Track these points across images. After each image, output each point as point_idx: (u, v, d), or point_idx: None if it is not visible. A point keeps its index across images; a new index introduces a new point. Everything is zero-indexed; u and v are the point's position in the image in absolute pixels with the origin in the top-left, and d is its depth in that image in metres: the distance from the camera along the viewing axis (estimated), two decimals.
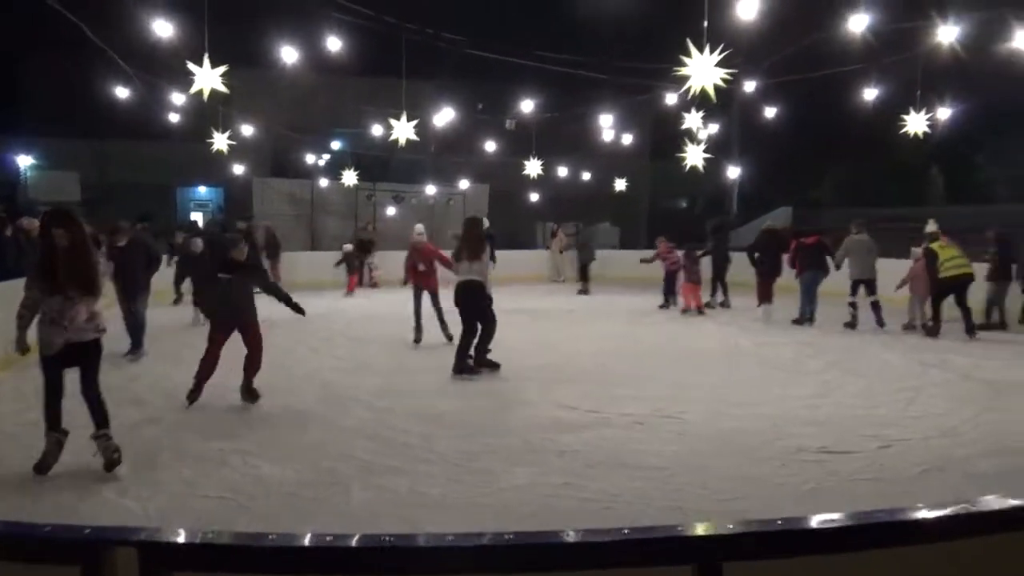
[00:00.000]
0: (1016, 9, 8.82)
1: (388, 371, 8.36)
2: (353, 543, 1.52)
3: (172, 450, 5.40)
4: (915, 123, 11.51)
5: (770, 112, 16.12)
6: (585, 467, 4.99)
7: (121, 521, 3.98)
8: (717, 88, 6.56)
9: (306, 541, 1.51)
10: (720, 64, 6.45)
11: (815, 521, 1.59)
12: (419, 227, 10.42)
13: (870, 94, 13.33)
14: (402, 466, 5.03)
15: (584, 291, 17.51)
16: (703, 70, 6.39)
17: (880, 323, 11.27)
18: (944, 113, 12.87)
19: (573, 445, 5.51)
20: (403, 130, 10.92)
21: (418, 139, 11.60)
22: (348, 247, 17.52)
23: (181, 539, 1.49)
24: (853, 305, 11.46)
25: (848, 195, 27.45)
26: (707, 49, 6.40)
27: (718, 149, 17.71)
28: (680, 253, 13.90)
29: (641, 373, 8.19)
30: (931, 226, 11.31)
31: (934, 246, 10.74)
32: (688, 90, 6.64)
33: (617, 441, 5.62)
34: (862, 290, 11.51)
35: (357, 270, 17.45)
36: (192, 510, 4.30)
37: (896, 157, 24.78)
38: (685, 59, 6.44)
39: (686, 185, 30.27)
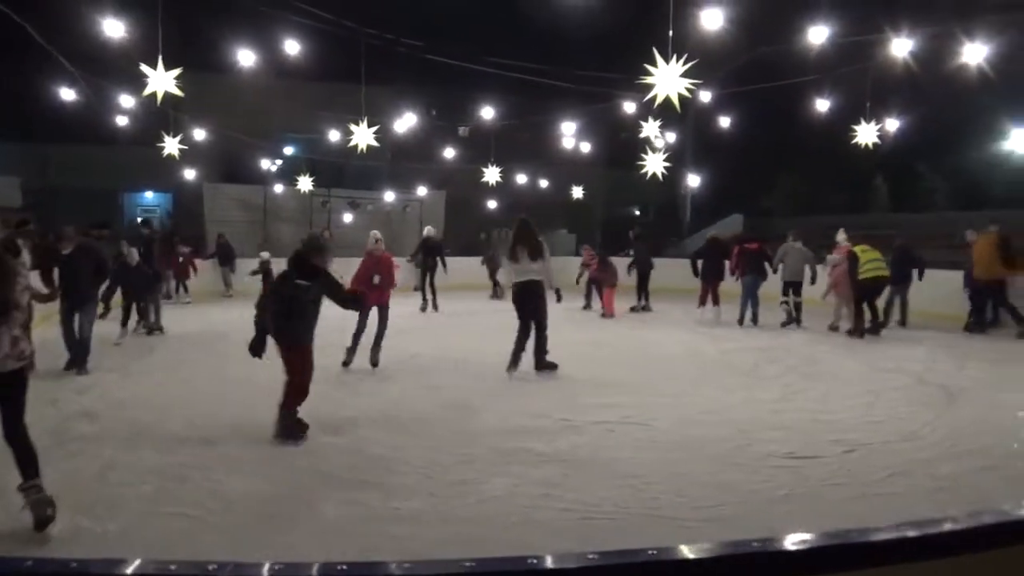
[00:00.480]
0: (964, 24, 9.13)
1: (352, 381, 8.19)
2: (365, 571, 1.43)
3: (128, 466, 5.17)
4: (865, 134, 11.89)
5: (724, 122, 16.43)
6: (561, 476, 4.95)
7: (79, 543, 3.79)
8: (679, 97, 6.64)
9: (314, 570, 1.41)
10: (685, 74, 6.54)
11: (853, 536, 1.57)
12: (376, 234, 9.18)
13: (821, 105, 13.73)
14: (374, 479, 4.91)
15: (495, 295, 17.28)
16: (669, 79, 6.45)
17: (798, 322, 12.39)
18: (892, 124, 13.30)
19: (547, 454, 5.47)
20: (363, 136, 10.79)
21: (378, 144, 11.49)
22: (265, 255, 16.24)
23: (181, 572, 1.38)
24: (786, 303, 12.55)
25: (798, 204, 28.13)
26: (673, 58, 6.47)
27: (672, 158, 17.97)
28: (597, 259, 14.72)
29: (606, 380, 8.19)
30: (840, 235, 12.55)
31: (857, 249, 11.45)
32: (653, 99, 6.70)
33: (590, 449, 5.60)
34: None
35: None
36: (155, 529, 4.12)
37: (844, 167, 25.45)
38: (651, 68, 6.50)
39: (640, 193, 30.65)
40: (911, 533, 1.61)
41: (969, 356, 9.64)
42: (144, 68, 8.36)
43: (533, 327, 8.33)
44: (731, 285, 13.29)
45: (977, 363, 9.19)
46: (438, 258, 15.42)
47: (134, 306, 11.14)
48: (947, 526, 1.65)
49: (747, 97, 16.65)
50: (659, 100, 6.55)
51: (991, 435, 6.05)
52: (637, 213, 35.49)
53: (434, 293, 15.23)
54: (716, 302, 13.17)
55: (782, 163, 28.95)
